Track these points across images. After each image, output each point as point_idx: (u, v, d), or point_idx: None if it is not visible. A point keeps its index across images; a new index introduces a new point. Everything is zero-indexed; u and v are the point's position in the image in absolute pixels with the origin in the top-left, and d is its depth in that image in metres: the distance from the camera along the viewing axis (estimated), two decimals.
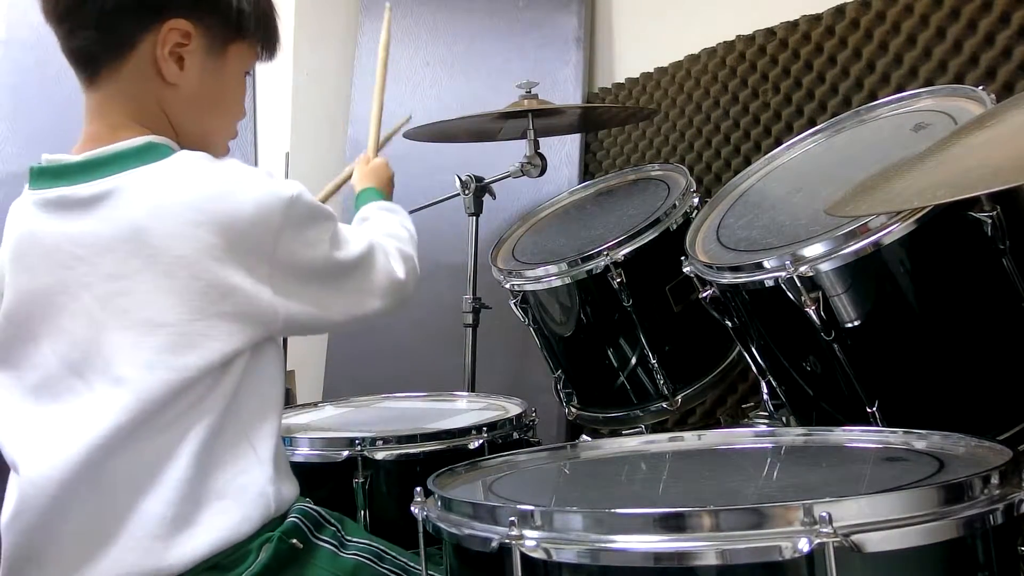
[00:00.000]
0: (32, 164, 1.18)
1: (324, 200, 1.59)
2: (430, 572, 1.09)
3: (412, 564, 1.23)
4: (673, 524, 0.86)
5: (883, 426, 1.26)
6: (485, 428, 1.56)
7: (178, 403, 1.09)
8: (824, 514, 0.81)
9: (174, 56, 1.16)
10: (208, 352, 1.09)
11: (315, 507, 1.22)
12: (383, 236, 1.32)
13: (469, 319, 2.24)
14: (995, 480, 0.88)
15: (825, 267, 1.26)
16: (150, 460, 1.09)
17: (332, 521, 1.23)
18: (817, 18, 2.19)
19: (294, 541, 1.15)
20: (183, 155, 1.14)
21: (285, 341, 2.50)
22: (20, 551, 1.12)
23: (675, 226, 1.75)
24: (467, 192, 2.22)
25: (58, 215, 1.13)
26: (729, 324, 1.48)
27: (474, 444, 1.53)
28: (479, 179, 2.22)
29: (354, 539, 1.23)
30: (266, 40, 1.26)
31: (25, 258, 1.15)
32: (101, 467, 1.08)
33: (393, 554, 1.24)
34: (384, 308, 1.27)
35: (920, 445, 1.11)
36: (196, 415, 1.10)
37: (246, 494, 1.13)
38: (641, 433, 1.72)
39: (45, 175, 1.16)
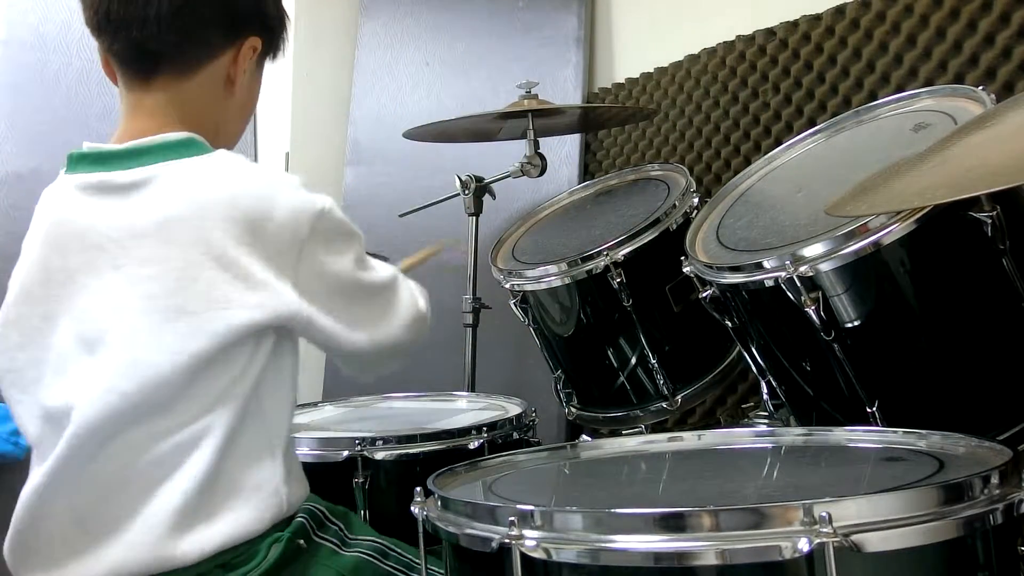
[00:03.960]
0: (71, 151, 1.20)
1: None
2: (430, 571, 1.10)
3: (418, 561, 1.23)
4: (673, 524, 0.86)
5: (883, 426, 1.26)
6: (485, 428, 1.56)
7: (197, 391, 1.10)
8: (824, 514, 0.81)
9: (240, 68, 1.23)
10: (226, 341, 1.10)
11: (320, 506, 1.23)
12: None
13: (469, 319, 2.24)
14: (995, 480, 0.88)
15: (825, 267, 1.26)
16: (170, 448, 1.10)
17: (335, 520, 1.23)
18: (817, 18, 2.19)
19: (300, 541, 1.16)
20: (223, 153, 1.18)
21: None
22: (22, 533, 1.13)
23: (675, 226, 1.75)
24: (467, 192, 2.22)
25: (97, 198, 1.15)
26: (729, 324, 1.48)
27: (474, 444, 1.53)
28: (479, 179, 2.21)
29: (358, 536, 1.24)
30: (278, 49, 1.32)
31: (59, 239, 1.16)
32: (107, 444, 1.09)
33: (399, 551, 1.24)
34: (406, 340, 1.26)
35: (920, 445, 1.11)
36: (219, 407, 1.11)
37: (261, 492, 1.14)
38: (641, 433, 1.72)
39: (85, 160, 1.19)
